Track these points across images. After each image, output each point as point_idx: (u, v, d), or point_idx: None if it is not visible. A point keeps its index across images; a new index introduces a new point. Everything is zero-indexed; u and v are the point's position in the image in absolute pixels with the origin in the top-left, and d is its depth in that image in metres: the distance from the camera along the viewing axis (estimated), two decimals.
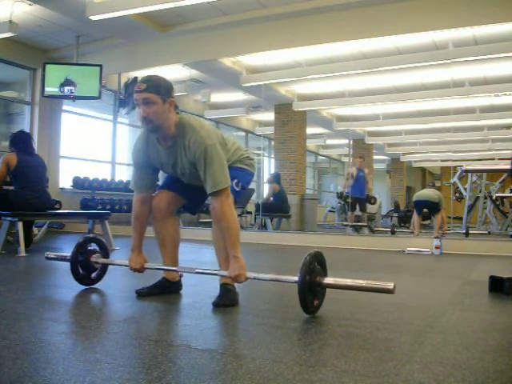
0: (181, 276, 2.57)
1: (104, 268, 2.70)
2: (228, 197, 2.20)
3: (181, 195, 2.51)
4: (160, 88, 2.17)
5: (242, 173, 2.44)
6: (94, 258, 2.62)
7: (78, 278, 2.61)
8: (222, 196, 2.17)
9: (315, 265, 2.07)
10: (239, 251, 2.18)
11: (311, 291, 2.02)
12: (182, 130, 2.22)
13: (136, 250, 2.46)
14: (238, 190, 2.38)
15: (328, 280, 2.08)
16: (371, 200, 9.24)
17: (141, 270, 2.44)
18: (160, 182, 2.61)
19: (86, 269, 2.62)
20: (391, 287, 1.92)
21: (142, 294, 2.42)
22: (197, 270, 2.32)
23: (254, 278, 2.18)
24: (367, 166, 10.32)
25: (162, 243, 2.53)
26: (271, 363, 1.43)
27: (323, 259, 2.17)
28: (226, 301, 2.25)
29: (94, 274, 2.68)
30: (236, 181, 2.37)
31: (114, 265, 2.70)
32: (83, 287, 2.77)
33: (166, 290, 2.49)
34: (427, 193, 7.28)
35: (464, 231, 7.69)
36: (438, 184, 9.83)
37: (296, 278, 1.99)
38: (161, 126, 2.19)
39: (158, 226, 2.50)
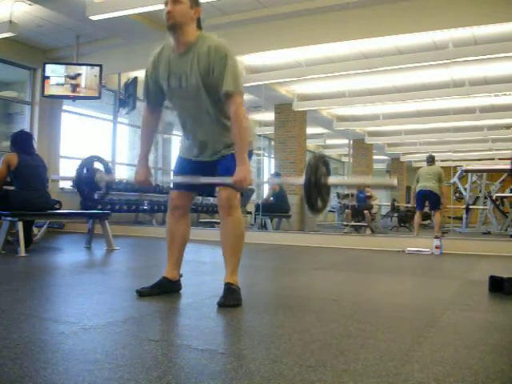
0: (180, 276, 2.57)
1: (108, 187, 2.72)
2: (241, 104, 2.24)
3: (192, 190, 2.54)
4: None
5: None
6: (98, 177, 2.63)
7: (83, 197, 2.64)
8: (238, 99, 2.22)
9: (320, 166, 2.12)
10: (246, 155, 2.22)
11: (317, 190, 2.08)
12: (203, 39, 2.27)
13: (142, 162, 2.50)
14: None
15: (332, 180, 2.14)
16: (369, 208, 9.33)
17: (146, 182, 2.48)
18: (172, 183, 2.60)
19: (91, 187, 2.64)
20: (395, 183, 1.99)
21: (142, 294, 2.42)
22: (202, 180, 2.33)
23: (262, 183, 2.22)
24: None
25: (171, 239, 2.52)
26: (271, 363, 1.43)
27: (327, 161, 2.22)
28: (230, 301, 2.25)
29: (96, 195, 2.70)
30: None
31: (118, 181, 2.79)
32: (83, 287, 2.77)
33: (166, 290, 2.49)
34: (429, 185, 7.09)
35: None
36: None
37: (302, 180, 2.08)
38: (181, 26, 2.23)
39: (171, 222, 2.52)
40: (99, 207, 7.28)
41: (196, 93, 2.29)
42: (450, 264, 4.58)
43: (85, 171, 2.63)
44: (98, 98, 7.12)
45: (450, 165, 10.55)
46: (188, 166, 2.47)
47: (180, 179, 2.46)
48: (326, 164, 2.22)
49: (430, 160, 7.29)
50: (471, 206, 10.08)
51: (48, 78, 6.94)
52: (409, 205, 11.27)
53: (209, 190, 2.65)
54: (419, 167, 16.91)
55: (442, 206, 7.18)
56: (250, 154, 2.48)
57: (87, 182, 2.63)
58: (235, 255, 2.39)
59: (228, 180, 2.23)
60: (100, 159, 2.73)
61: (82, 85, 7.00)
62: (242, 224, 2.42)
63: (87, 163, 2.65)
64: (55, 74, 6.98)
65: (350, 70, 7.14)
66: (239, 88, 2.23)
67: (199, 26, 2.33)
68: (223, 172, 2.31)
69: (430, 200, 7.04)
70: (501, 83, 7.86)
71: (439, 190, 7.02)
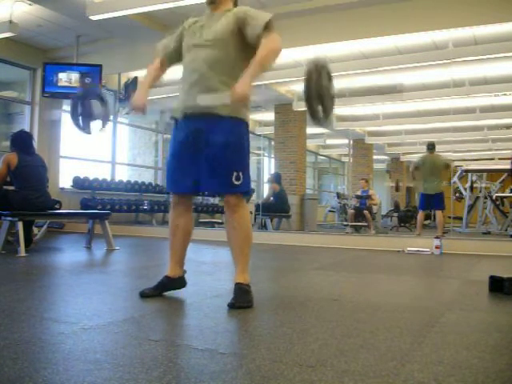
0: (185, 272, 2.55)
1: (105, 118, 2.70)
2: (280, 41, 2.24)
3: (192, 191, 2.44)
4: None
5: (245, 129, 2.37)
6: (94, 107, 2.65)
7: (78, 125, 2.63)
8: (276, 35, 2.23)
9: (320, 72, 2.08)
10: (257, 73, 2.16)
11: (318, 97, 2.02)
12: (237, 8, 2.36)
13: (142, 87, 2.49)
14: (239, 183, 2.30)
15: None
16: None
17: (143, 107, 2.42)
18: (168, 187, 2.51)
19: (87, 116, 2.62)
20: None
21: (144, 295, 2.40)
22: (201, 103, 2.23)
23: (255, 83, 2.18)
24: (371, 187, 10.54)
25: (174, 232, 2.46)
26: (271, 363, 1.43)
27: (327, 65, 2.17)
28: (242, 302, 2.21)
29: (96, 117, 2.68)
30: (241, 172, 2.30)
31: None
32: (83, 287, 2.77)
33: (169, 288, 2.46)
34: (432, 186, 7.02)
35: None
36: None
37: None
38: (221, 1, 2.36)
39: (174, 216, 2.46)
40: (99, 207, 7.30)
41: (214, 48, 2.28)
42: (450, 264, 4.58)
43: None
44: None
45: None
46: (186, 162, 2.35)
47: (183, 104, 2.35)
48: (327, 71, 2.17)
49: (431, 147, 7.14)
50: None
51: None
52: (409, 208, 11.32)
53: (208, 187, 2.53)
54: None
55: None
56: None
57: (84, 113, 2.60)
58: (244, 253, 2.35)
59: (227, 99, 2.12)
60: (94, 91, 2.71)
61: None
62: (249, 221, 2.38)
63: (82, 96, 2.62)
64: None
65: (349, 70, 7.14)
66: (274, 27, 2.22)
67: (235, 4, 2.43)
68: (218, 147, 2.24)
69: (433, 200, 7.02)
70: (501, 83, 7.87)
71: (441, 184, 6.98)
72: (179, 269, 2.50)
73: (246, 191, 2.34)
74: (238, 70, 2.21)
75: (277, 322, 2.02)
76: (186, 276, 2.58)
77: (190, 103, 2.32)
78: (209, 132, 2.26)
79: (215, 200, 9.75)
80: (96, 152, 8.82)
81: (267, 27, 2.21)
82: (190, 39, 2.38)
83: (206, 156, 2.27)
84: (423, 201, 7.09)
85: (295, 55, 7.25)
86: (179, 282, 2.51)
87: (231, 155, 2.27)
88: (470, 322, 2.10)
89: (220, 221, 8.91)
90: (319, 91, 2.03)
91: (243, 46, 2.28)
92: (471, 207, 10.00)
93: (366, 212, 8.97)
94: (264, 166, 11.85)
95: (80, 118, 2.60)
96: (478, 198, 10.02)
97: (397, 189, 12.33)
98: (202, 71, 2.28)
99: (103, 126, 2.76)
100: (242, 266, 2.35)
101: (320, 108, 2.05)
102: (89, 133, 2.64)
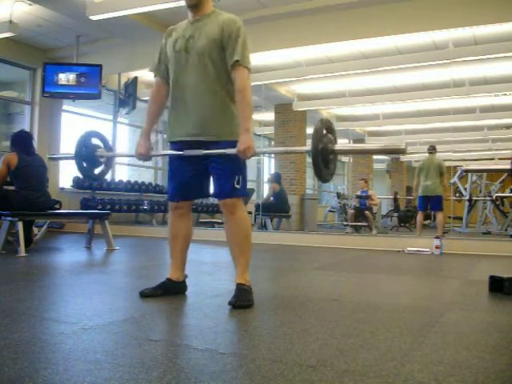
0: (186, 277, 2.56)
1: (108, 163, 2.71)
2: (249, 78, 2.26)
3: (190, 198, 2.52)
4: None
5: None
6: (99, 152, 2.62)
7: (83, 172, 2.63)
8: (245, 72, 2.24)
9: (326, 132, 2.09)
10: (250, 125, 2.22)
11: (324, 159, 2.05)
12: (217, 13, 2.36)
13: (145, 136, 2.49)
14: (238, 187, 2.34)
15: (339, 146, 2.11)
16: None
17: (147, 155, 2.47)
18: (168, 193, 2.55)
19: (91, 163, 2.62)
20: (403, 147, 1.94)
21: (144, 295, 2.41)
22: (204, 152, 2.28)
23: (263, 152, 2.21)
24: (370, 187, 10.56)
25: (174, 238, 2.49)
26: (271, 363, 1.43)
27: (333, 126, 2.19)
28: (242, 301, 2.22)
29: (97, 170, 2.68)
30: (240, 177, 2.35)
31: (119, 156, 2.76)
32: (83, 287, 2.77)
33: (170, 291, 2.47)
34: (432, 187, 7.01)
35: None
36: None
37: (308, 148, 2.03)
38: (200, 2, 2.32)
39: (173, 221, 2.50)
40: (99, 207, 7.30)
41: (201, 59, 2.28)
42: (450, 264, 4.58)
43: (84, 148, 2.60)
44: (98, 97, 7.12)
45: (450, 165, 10.56)
46: (182, 160, 2.40)
47: (181, 153, 2.37)
48: (332, 130, 2.20)
49: (432, 149, 7.15)
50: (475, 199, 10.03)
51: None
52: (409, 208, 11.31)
53: (204, 194, 2.60)
54: None
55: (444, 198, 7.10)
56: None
57: (87, 157, 2.60)
58: (243, 254, 2.36)
59: (233, 151, 2.20)
60: (99, 135, 2.71)
61: None
62: (248, 222, 2.40)
63: (86, 138, 2.63)
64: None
65: (349, 70, 7.14)
66: (249, 62, 2.26)
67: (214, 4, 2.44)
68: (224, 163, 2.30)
69: (432, 202, 7.02)
70: (501, 83, 7.86)
71: (440, 186, 6.97)
72: (181, 273, 2.52)
73: (244, 194, 2.38)
74: (224, 74, 2.29)
75: (277, 322, 2.02)
76: (188, 277, 2.58)
77: (186, 131, 2.35)
78: (208, 150, 2.32)
79: (215, 200, 9.74)
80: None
81: (240, 62, 2.23)
82: (173, 46, 2.37)
83: (207, 167, 2.36)
84: (421, 202, 7.11)
85: (295, 55, 7.25)
86: (181, 287, 2.52)
87: (233, 163, 2.31)
88: (470, 322, 2.10)
89: (220, 221, 8.90)
90: (326, 157, 2.08)
91: (224, 55, 2.30)
92: (471, 207, 10.01)
93: (367, 213, 8.98)
94: (264, 166, 11.84)
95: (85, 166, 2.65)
96: (476, 200, 10.03)
97: (395, 200, 12.38)
98: (192, 88, 2.32)
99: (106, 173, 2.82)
100: (242, 267, 2.35)
101: (325, 170, 2.12)
102: (95, 178, 2.71)
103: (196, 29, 2.32)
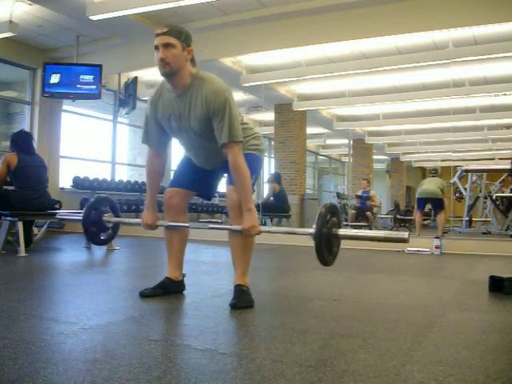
0: (184, 276, 2.56)
1: (115, 228, 2.71)
2: (240, 151, 2.22)
3: (190, 188, 2.51)
4: (181, 34, 2.18)
5: (249, 160, 2.33)
6: (106, 218, 2.62)
7: (90, 237, 2.64)
8: (235, 148, 2.19)
9: (330, 216, 2.06)
10: (252, 204, 2.21)
11: (327, 243, 2.04)
12: (199, 81, 2.21)
13: (150, 208, 2.48)
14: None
15: (343, 231, 2.09)
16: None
17: (153, 226, 2.46)
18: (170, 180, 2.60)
19: (98, 228, 2.63)
20: (406, 236, 1.95)
21: (144, 295, 2.41)
22: (210, 226, 2.36)
23: (268, 232, 2.20)
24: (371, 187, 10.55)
25: (169, 240, 2.51)
26: (271, 363, 1.43)
27: (337, 211, 2.16)
28: (242, 303, 2.22)
29: (104, 235, 2.68)
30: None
31: (126, 224, 2.75)
32: (83, 287, 2.77)
33: (170, 290, 2.47)
34: (431, 189, 7.06)
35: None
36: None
37: (312, 231, 2.00)
38: (177, 71, 2.16)
39: (169, 220, 2.49)
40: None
41: (198, 138, 2.29)
42: (450, 264, 4.58)
43: (92, 212, 2.60)
44: (98, 97, 7.12)
45: (450, 165, 10.56)
46: (194, 165, 2.50)
47: (187, 225, 2.48)
48: (336, 214, 2.12)
49: (434, 172, 7.39)
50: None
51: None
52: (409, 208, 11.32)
53: (207, 192, 2.63)
54: (419, 167, 16.96)
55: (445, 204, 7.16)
56: (260, 161, 2.49)
57: (95, 222, 2.61)
58: (245, 256, 2.36)
59: (237, 227, 2.20)
60: (107, 200, 2.71)
61: None
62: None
63: (95, 204, 2.63)
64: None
65: (349, 70, 7.13)
66: (237, 138, 2.18)
67: (193, 64, 2.26)
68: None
69: (432, 204, 7.05)
70: (501, 83, 7.86)
71: (441, 193, 7.02)
72: (179, 272, 2.53)
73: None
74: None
75: (277, 322, 2.02)
76: (186, 276, 2.59)
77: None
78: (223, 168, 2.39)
79: (215, 200, 9.75)
80: (96, 152, 8.82)
81: (232, 142, 2.17)
82: (168, 125, 2.31)
83: (221, 167, 2.41)
84: (420, 203, 7.14)
85: (295, 55, 7.25)
86: (179, 286, 2.54)
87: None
88: (470, 322, 2.10)
89: (220, 221, 8.91)
90: (328, 244, 2.06)
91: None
92: (471, 207, 10.00)
93: (368, 214, 8.99)
94: (264, 166, 11.84)
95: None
96: (478, 197, 10.03)
97: (397, 205, 12.40)
98: (200, 152, 2.40)
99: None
100: (242, 269, 2.35)
101: (328, 254, 2.10)
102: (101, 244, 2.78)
103: (184, 105, 2.22)
